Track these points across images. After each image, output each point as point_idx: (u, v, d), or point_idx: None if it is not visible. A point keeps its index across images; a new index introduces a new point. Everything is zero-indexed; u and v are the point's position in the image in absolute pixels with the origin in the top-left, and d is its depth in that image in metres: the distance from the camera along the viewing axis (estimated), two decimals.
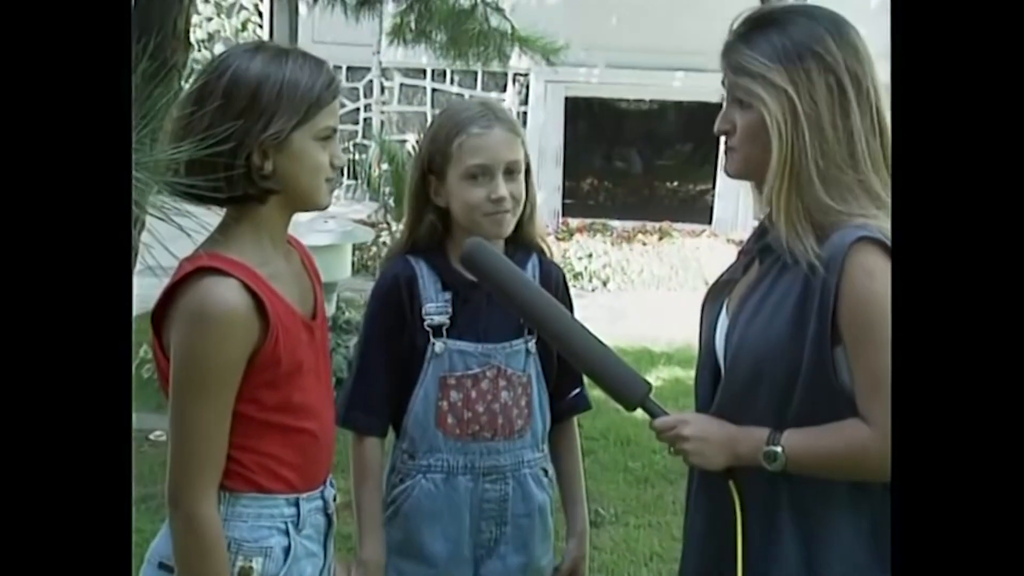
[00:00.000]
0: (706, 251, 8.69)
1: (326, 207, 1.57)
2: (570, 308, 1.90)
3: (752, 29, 1.51)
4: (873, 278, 1.39)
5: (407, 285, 1.79)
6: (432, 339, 1.78)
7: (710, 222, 9.83)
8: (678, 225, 9.40)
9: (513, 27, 4.69)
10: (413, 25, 4.35)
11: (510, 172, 1.76)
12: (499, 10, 4.47)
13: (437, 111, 10.21)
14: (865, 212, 1.43)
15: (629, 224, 9.30)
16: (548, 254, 1.90)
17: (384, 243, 8.48)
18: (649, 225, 9.28)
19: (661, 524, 3.78)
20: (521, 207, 1.80)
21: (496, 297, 1.65)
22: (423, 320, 1.78)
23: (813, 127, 1.44)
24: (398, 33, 4.38)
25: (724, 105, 1.56)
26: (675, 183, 11.54)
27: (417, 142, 9.57)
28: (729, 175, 1.60)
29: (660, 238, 8.92)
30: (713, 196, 10.08)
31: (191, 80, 1.50)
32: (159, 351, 1.48)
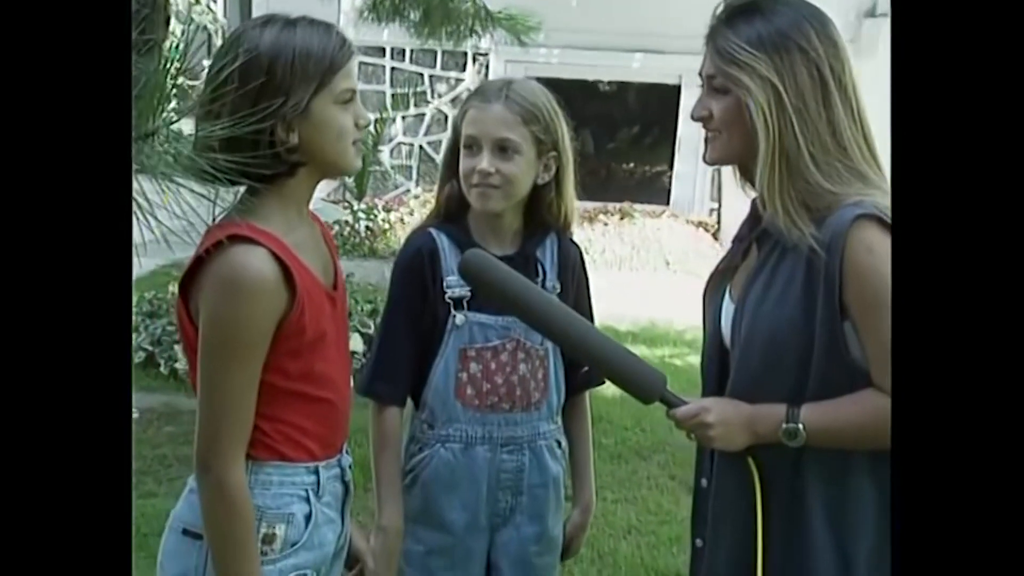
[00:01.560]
0: (666, 231, 8.78)
1: (356, 171, 1.58)
2: (588, 288, 1.93)
3: (737, 17, 1.54)
4: (874, 253, 1.43)
5: (429, 258, 1.81)
6: (453, 311, 1.80)
7: (668, 203, 9.94)
8: (638, 206, 9.49)
9: (486, 7, 4.69)
10: (387, 3, 4.32)
11: (503, 150, 1.78)
12: None
13: (396, 90, 10.14)
14: (859, 192, 1.48)
15: (589, 205, 9.37)
16: (570, 234, 1.92)
17: (347, 222, 8.44)
18: (610, 206, 9.35)
19: (637, 498, 3.85)
20: (517, 187, 1.80)
21: (500, 305, 1.67)
22: (444, 292, 1.81)
23: (800, 115, 1.48)
24: (374, 10, 4.35)
25: (701, 92, 1.59)
26: (631, 164, 11.62)
27: (379, 120, 9.51)
28: (708, 162, 1.64)
29: (621, 218, 9.00)
30: (670, 177, 10.19)
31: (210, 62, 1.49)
32: (186, 317, 1.48)
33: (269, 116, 1.41)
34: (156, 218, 1.18)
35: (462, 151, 1.81)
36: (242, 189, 1.51)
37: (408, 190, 10.07)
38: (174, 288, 5.57)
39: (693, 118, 1.60)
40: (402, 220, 9.08)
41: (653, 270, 8.44)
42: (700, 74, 1.59)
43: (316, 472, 1.54)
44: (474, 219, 1.85)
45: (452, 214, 1.86)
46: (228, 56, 1.43)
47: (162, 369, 4.82)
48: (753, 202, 1.65)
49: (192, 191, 1.34)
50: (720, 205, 9.20)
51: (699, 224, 9.26)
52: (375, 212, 9.03)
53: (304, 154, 1.47)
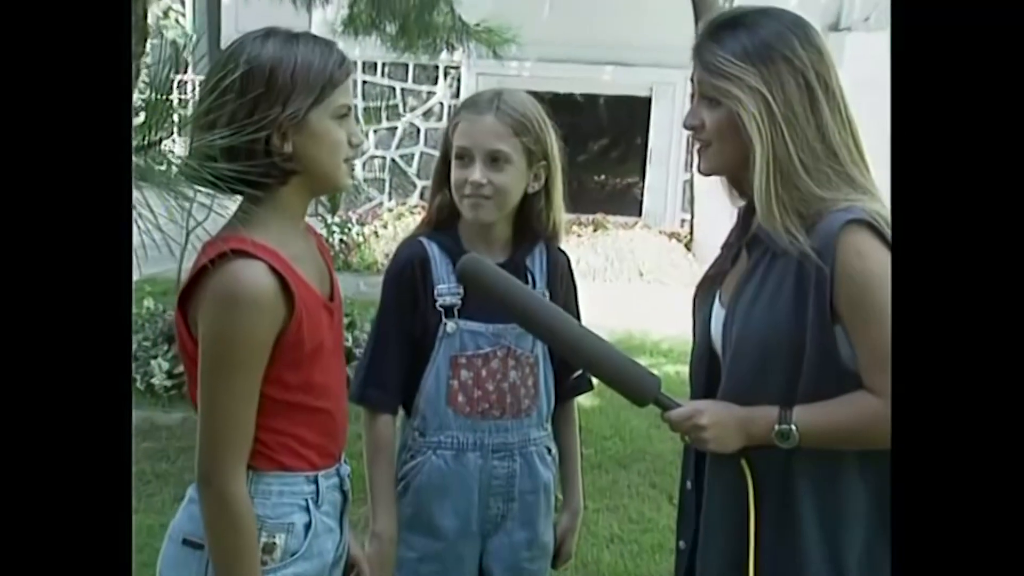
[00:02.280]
0: (639, 242, 8.84)
1: (345, 188, 1.60)
2: (576, 295, 1.96)
3: (721, 31, 1.57)
4: (864, 258, 1.46)
5: (420, 266, 1.83)
6: (444, 319, 1.82)
7: (640, 214, 10.01)
8: (610, 217, 9.55)
9: (462, 20, 4.72)
10: (364, 17, 4.33)
11: (494, 160, 1.80)
12: (449, 2, 4.49)
13: (368, 104, 10.11)
14: (848, 197, 1.51)
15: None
16: (558, 243, 1.95)
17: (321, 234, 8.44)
18: (583, 217, 9.40)
19: (618, 507, 3.86)
20: (509, 197, 1.83)
21: (497, 308, 1.68)
22: (435, 301, 1.83)
23: (789, 124, 1.51)
24: (351, 23, 4.36)
25: (693, 101, 1.62)
26: (603, 176, 11.69)
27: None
28: (703, 173, 1.65)
29: (595, 230, 9.05)
30: (642, 189, 10.26)
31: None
32: (184, 331, 1.49)
33: (267, 124, 1.43)
34: (160, 229, 1.20)
35: (454, 162, 1.83)
36: (238, 201, 1.52)
37: (381, 203, 10.07)
38: (149, 303, 5.54)
39: (686, 127, 1.62)
40: (376, 233, 9.07)
41: (627, 281, 8.50)
42: (691, 79, 1.62)
43: (315, 481, 1.55)
44: (465, 228, 1.87)
45: (443, 223, 1.88)
46: (229, 66, 1.44)
47: (138, 384, 4.79)
48: (741, 208, 1.68)
49: (189, 200, 1.36)
50: (692, 216, 9.27)
51: (671, 235, 9.33)
52: (349, 225, 9.02)
53: (298, 164, 1.48)
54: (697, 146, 1.62)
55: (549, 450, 1.94)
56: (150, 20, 11.65)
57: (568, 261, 1.98)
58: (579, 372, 1.96)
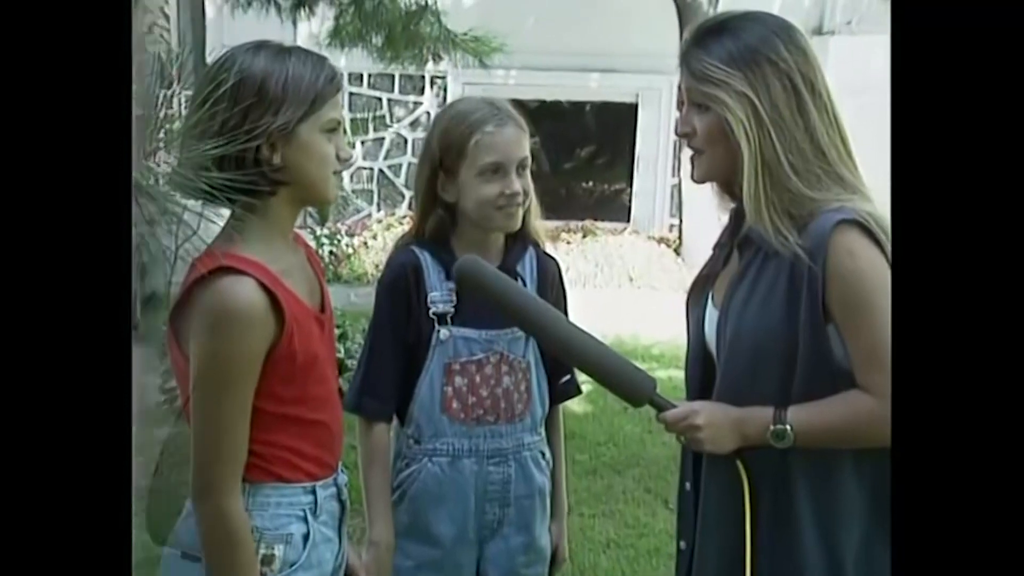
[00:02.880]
0: (628, 248, 8.86)
1: (333, 200, 1.60)
2: (565, 300, 1.97)
3: (706, 37, 1.58)
4: (856, 257, 1.47)
5: (413, 274, 1.84)
6: (437, 326, 1.83)
7: (628, 220, 10.04)
8: (599, 224, 9.58)
9: (448, 30, 4.74)
10: (350, 29, 4.34)
11: (522, 167, 1.83)
12: (436, 13, 4.51)
13: (354, 115, 10.08)
14: (839, 197, 1.52)
15: (551, 223, 9.42)
16: (543, 247, 1.96)
17: (311, 245, 8.43)
18: (572, 224, 9.42)
19: (614, 512, 3.86)
20: (528, 201, 1.86)
21: (494, 309, 1.68)
22: (428, 308, 1.83)
23: (777, 126, 1.52)
24: (337, 35, 4.37)
25: (683, 109, 1.63)
26: (590, 182, 11.71)
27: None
28: (696, 181, 1.66)
29: (584, 236, 9.07)
30: (630, 195, 10.29)
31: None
32: (175, 347, 1.49)
33: (258, 134, 1.43)
34: (157, 237, 1.20)
35: (477, 177, 1.81)
36: (226, 216, 1.52)
37: (370, 214, 10.07)
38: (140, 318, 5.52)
39: (677, 134, 1.64)
40: (365, 244, 9.07)
41: (617, 287, 8.52)
42: (679, 87, 1.63)
43: (313, 492, 1.56)
44: (461, 238, 1.87)
45: (437, 236, 1.87)
46: (220, 77, 1.45)
47: None
48: (733, 209, 1.69)
49: (178, 213, 1.36)
50: (680, 220, 9.30)
51: (660, 240, 9.36)
52: (338, 237, 9.02)
53: (286, 175, 1.49)
54: (689, 154, 1.63)
55: (543, 454, 1.94)
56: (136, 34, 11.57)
57: (558, 267, 2.00)
58: (567, 377, 1.98)
